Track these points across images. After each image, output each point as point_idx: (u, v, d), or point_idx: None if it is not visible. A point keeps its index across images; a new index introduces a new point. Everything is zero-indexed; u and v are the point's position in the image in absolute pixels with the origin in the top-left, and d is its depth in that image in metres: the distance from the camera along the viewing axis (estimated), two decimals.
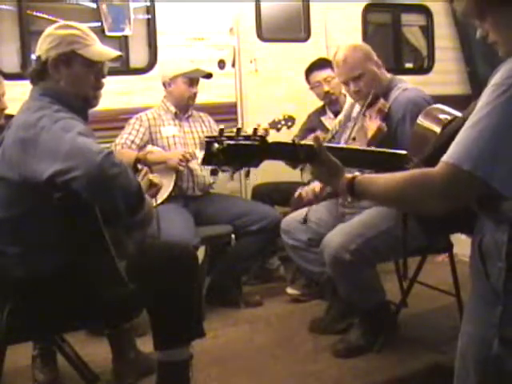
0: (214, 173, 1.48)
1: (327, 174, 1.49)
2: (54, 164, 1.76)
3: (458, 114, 1.43)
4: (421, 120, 1.56)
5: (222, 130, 1.42)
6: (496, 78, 1.19)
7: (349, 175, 1.42)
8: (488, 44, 1.30)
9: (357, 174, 1.42)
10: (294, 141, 1.48)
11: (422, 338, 2.79)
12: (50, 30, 2.03)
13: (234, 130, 1.44)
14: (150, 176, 2.23)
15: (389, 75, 2.75)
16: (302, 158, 1.49)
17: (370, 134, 2.53)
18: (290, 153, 1.49)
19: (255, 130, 1.45)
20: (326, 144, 1.52)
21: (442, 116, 1.50)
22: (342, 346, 2.71)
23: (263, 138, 1.43)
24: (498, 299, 1.25)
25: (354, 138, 2.61)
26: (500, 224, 1.24)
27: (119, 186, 1.80)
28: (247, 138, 1.42)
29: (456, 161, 1.17)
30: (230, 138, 1.41)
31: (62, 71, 1.99)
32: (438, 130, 1.44)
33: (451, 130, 1.35)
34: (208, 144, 1.40)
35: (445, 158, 1.20)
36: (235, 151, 1.40)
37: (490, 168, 1.15)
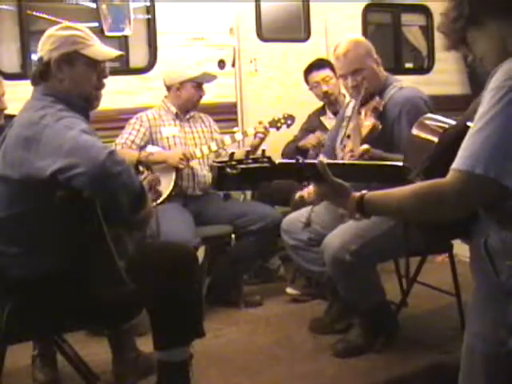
0: (226, 196, 1.50)
1: (333, 194, 1.49)
2: (56, 161, 1.77)
3: (452, 122, 1.43)
4: (415, 130, 1.54)
5: (232, 154, 1.43)
6: (494, 81, 1.20)
7: (357, 193, 1.42)
8: None
9: (364, 192, 1.41)
10: (298, 160, 1.49)
11: (422, 338, 2.78)
12: (51, 31, 2.03)
13: (243, 152, 1.45)
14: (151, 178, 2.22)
15: (385, 73, 2.74)
16: (308, 177, 1.50)
17: (364, 131, 2.53)
18: (296, 172, 1.50)
19: (263, 151, 1.47)
20: (326, 161, 1.51)
21: (436, 125, 1.49)
22: (342, 346, 2.70)
23: (271, 160, 1.45)
24: (509, 297, 1.26)
25: (348, 136, 2.60)
26: (505, 223, 1.25)
27: (121, 184, 1.80)
28: (256, 160, 1.43)
29: (467, 167, 1.18)
30: (239, 161, 1.41)
31: (65, 71, 1.99)
32: (434, 139, 1.42)
33: (448, 138, 1.35)
34: (220, 169, 1.40)
35: (455, 165, 1.20)
36: (247, 175, 1.41)
37: (502, 168, 1.17)
